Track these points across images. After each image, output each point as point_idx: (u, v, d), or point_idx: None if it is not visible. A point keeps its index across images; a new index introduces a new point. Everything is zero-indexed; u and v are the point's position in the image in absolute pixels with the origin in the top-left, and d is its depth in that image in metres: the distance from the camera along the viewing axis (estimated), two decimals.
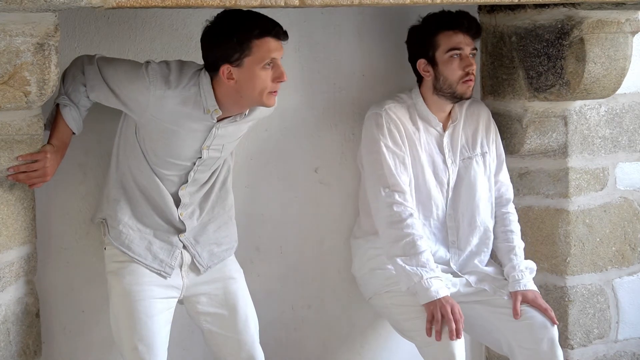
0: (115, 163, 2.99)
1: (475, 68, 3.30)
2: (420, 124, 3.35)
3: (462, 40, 3.27)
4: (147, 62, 2.85)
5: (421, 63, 3.32)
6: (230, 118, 2.90)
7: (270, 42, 2.77)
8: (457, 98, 3.33)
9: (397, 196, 3.22)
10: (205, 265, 3.04)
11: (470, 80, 3.29)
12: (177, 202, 2.99)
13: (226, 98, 2.84)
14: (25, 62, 2.51)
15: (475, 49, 3.32)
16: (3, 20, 2.44)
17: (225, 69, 2.78)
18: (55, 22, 2.54)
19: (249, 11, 2.78)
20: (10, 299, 2.81)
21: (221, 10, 2.82)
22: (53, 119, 2.87)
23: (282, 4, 2.71)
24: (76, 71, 2.88)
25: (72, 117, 2.85)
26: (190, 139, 2.89)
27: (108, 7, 2.44)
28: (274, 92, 2.84)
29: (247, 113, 2.93)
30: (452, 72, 3.28)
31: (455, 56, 3.27)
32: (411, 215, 3.22)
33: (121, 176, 2.97)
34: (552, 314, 3.25)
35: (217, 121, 2.88)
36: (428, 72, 3.32)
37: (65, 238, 3.14)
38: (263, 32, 2.76)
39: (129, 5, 2.47)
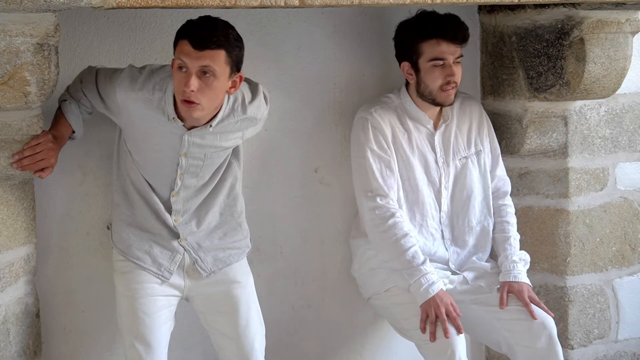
0: (116, 169, 3.00)
1: (458, 76, 3.26)
2: (410, 124, 3.35)
3: (445, 49, 3.22)
4: (127, 67, 2.88)
5: (405, 66, 3.31)
6: (199, 127, 2.86)
7: (184, 45, 2.71)
8: (438, 105, 3.32)
9: (378, 200, 3.23)
10: (208, 269, 3.03)
11: (452, 88, 3.26)
12: (169, 208, 2.99)
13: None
14: (25, 62, 2.51)
15: (461, 55, 3.27)
16: (3, 21, 2.44)
17: (172, 60, 2.78)
18: (55, 22, 2.54)
19: (207, 16, 2.75)
20: (10, 299, 2.81)
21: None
22: (55, 117, 2.90)
23: (282, 4, 2.71)
24: (77, 78, 2.94)
25: (70, 111, 2.87)
26: (163, 144, 2.89)
27: (108, 7, 2.44)
28: (185, 101, 2.74)
29: (213, 124, 2.86)
30: (433, 80, 3.25)
31: (438, 65, 3.24)
32: (393, 215, 3.21)
33: (122, 181, 2.99)
34: (531, 308, 3.19)
35: (189, 129, 2.86)
36: (411, 75, 3.31)
37: (65, 238, 3.14)
38: (183, 34, 2.73)
39: (129, 5, 2.47)
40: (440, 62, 3.22)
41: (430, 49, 3.22)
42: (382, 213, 3.21)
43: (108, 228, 3.10)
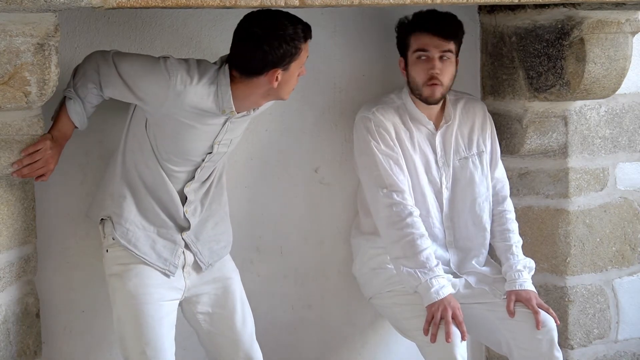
0: (121, 159, 2.95)
1: (444, 74, 3.24)
2: (412, 124, 3.35)
3: (428, 42, 3.23)
4: (165, 57, 2.82)
5: (401, 61, 3.35)
6: (244, 112, 2.90)
7: (308, 44, 2.84)
8: (425, 101, 3.31)
9: (395, 196, 3.22)
10: (207, 262, 3.03)
11: (435, 84, 3.25)
12: (183, 199, 2.99)
13: (248, 97, 2.84)
14: (25, 63, 2.51)
15: (449, 51, 3.25)
16: (3, 21, 2.44)
17: (274, 72, 2.79)
18: (55, 23, 2.54)
19: (285, 13, 2.79)
20: (11, 299, 2.81)
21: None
22: (58, 110, 2.86)
23: (282, 4, 2.71)
24: (89, 68, 2.84)
25: (74, 111, 2.84)
26: (204, 134, 2.89)
27: (108, 7, 2.44)
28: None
29: (259, 108, 2.95)
30: (417, 73, 3.26)
31: (422, 58, 3.24)
32: (411, 214, 3.21)
33: (126, 173, 2.94)
34: (540, 317, 3.18)
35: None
36: (405, 71, 3.33)
37: (65, 238, 3.14)
38: (307, 36, 2.83)
39: (129, 5, 2.47)
40: (424, 55, 3.24)
41: (415, 40, 3.27)
42: (400, 210, 3.21)
43: (104, 222, 2.97)
